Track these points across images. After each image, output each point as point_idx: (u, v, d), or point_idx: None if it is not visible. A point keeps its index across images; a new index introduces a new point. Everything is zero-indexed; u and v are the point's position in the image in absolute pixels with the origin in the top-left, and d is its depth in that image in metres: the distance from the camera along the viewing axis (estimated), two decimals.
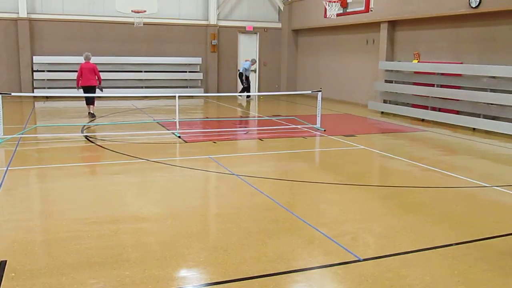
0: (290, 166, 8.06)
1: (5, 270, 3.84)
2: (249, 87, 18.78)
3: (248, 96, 19.01)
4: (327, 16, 14.43)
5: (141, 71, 19.00)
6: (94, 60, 17.76)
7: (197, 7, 20.00)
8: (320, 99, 11.74)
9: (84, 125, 11.38)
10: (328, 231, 4.82)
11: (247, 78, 18.66)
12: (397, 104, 14.57)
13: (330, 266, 4.07)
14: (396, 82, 14.76)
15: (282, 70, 21.39)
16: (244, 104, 17.69)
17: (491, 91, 11.61)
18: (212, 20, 19.97)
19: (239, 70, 19.11)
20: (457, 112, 12.53)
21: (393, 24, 15.34)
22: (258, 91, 20.85)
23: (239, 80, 19.34)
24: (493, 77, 11.58)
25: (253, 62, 19.23)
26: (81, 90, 12.99)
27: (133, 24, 16.21)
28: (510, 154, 9.32)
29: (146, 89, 18.96)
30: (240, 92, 18.85)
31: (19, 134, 9.87)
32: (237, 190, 6.48)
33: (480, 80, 12.01)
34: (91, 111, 12.92)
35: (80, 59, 16.85)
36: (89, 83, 12.93)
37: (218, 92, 19.81)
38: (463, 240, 4.67)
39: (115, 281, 3.66)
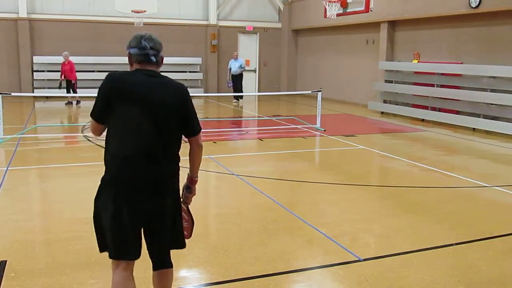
0: (290, 166, 8.06)
1: (5, 270, 3.84)
2: (237, 89, 17.63)
3: (235, 98, 17.96)
4: (327, 16, 14.45)
5: None
6: (94, 60, 17.93)
7: (197, 7, 19.99)
8: (320, 99, 11.73)
9: (84, 125, 11.39)
10: (328, 231, 4.82)
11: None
12: (397, 104, 14.56)
13: (330, 266, 4.07)
14: (396, 82, 14.75)
15: (282, 70, 21.36)
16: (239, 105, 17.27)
17: (491, 91, 11.61)
18: (212, 20, 19.95)
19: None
20: (457, 112, 12.52)
21: (393, 24, 15.33)
22: (258, 91, 20.83)
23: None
24: (493, 77, 11.58)
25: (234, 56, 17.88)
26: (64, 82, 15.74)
27: (133, 24, 16.19)
28: (510, 154, 9.32)
29: None
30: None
31: (19, 134, 9.87)
32: (237, 190, 6.48)
33: (480, 80, 12.00)
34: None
35: (80, 59, 16.98)
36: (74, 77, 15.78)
37: (218, 92, 19.79)
38: (463, 240, 4.67)
39: None
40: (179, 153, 2.83)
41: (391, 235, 4.82)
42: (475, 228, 5.06)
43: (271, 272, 3.89)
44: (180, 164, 2.84)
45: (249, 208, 5.70)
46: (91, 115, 2.75)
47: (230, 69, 17.52)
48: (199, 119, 2.89)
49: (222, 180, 7.05)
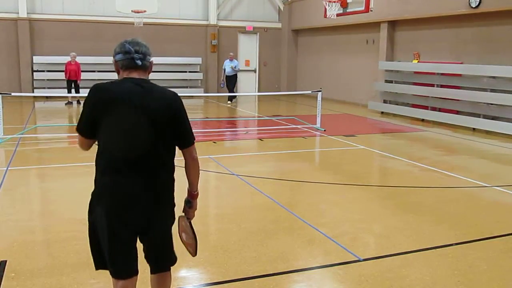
0: (290, 166, 8.06)
1: (5, 270, 3.84)
2: (229, 90, 17.69)
3: (229, 99, 17.97)
4: (327, 16, 14.43)
5: None
6: (94, 60, 17.91)
7: (197, 7, 19.98)
8: (320, 99, 11.73)
9: None
10: (328, 231, 4.82)
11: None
12: (397, 104, 14.56)
13: (330, 266, 4.07)
14: (396, 82, 14.75)
15: (282, 70, 21.37)
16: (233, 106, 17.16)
17: (491, 91, 11.61)
18: (212, 20, 19.95)
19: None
20: (457, 112, 12.52)
21: (393, 24, 15.33)
22: (258, 91, 20.83)
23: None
24: (493, 77, 11.58)
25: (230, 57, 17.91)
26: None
27: (133, 24, 16.19)
28: (510, 154, 9.32)
29: None
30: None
31: (19, 134, 9.87)
32: (237, 190, 6.48)
33: (480, 80, 12.00)
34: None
35: (80, 59, 16.90)
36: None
37: (218, 92, 19.79)
38: (463, 240, 4.67)
39: None
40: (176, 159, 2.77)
41: (391, 235, 4.82)
42: (475, 228, 5.06)
43: (271, 272, 3.89)
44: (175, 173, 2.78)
45: (249, 208, 5.70)
46: (77, 129, 2.64)
47: (225, 70, 17.66)
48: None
49: (222, 180, 7.05)
